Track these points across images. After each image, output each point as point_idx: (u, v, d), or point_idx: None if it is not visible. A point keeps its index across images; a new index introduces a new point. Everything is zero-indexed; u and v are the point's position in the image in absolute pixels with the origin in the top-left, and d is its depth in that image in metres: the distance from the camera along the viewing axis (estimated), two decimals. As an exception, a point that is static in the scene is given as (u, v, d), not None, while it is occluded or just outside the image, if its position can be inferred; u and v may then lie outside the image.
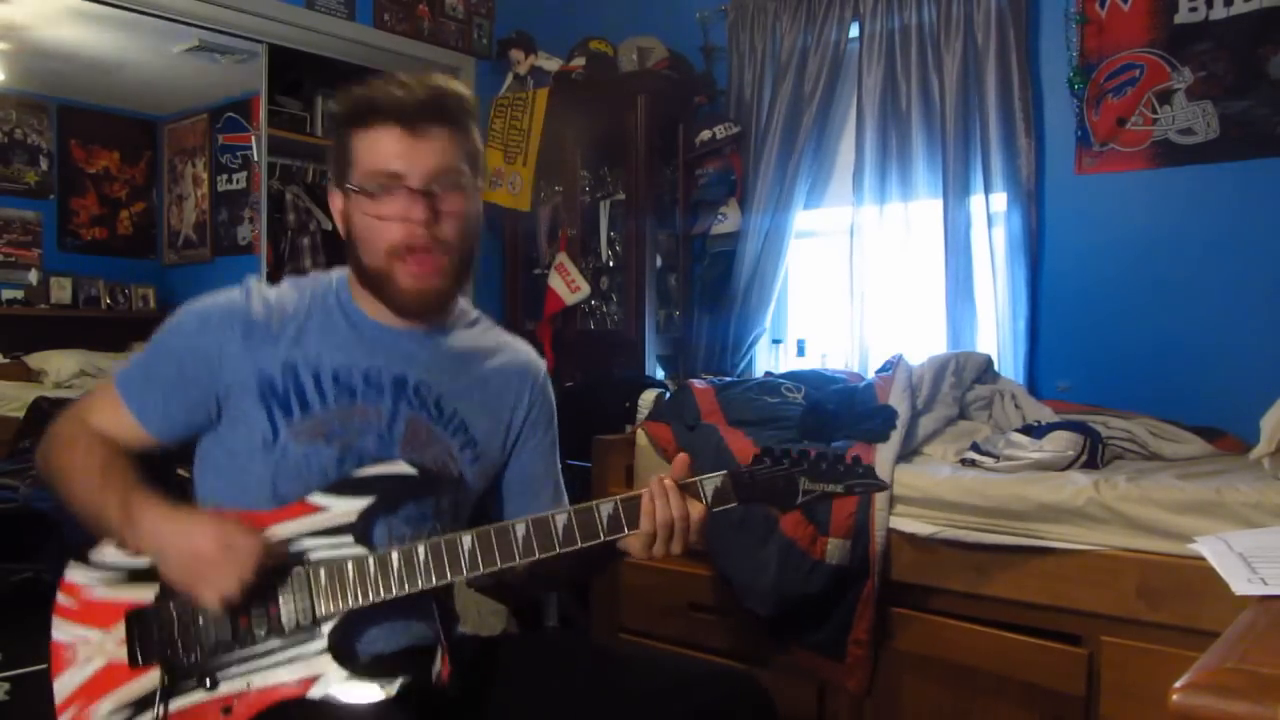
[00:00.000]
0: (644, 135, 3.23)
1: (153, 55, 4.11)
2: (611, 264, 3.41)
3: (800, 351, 3.25)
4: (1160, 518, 1.66)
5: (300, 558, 1.17)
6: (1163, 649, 1.61)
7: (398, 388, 1.26)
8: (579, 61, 3.42)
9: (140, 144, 4.99)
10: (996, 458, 1.94)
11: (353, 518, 1.18)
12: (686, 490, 1.18)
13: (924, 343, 2.87)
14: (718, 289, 3.33)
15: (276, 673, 1.15)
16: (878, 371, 2.42)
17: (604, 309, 3.47)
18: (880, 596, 1.91)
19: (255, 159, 4.17)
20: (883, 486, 1.30)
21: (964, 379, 2.37)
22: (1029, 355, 2.75)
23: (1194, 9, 2.50)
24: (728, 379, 2.57)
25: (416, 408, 1.27)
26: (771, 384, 2.38)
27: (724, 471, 1.19)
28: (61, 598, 1.20)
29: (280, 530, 1.18)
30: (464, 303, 1.40)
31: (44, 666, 1.18)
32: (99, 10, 3.11)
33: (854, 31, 3.05)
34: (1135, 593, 1.66)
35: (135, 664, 1.16)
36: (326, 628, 1.16)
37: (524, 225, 3.59)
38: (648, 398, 2.55)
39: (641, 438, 2.34)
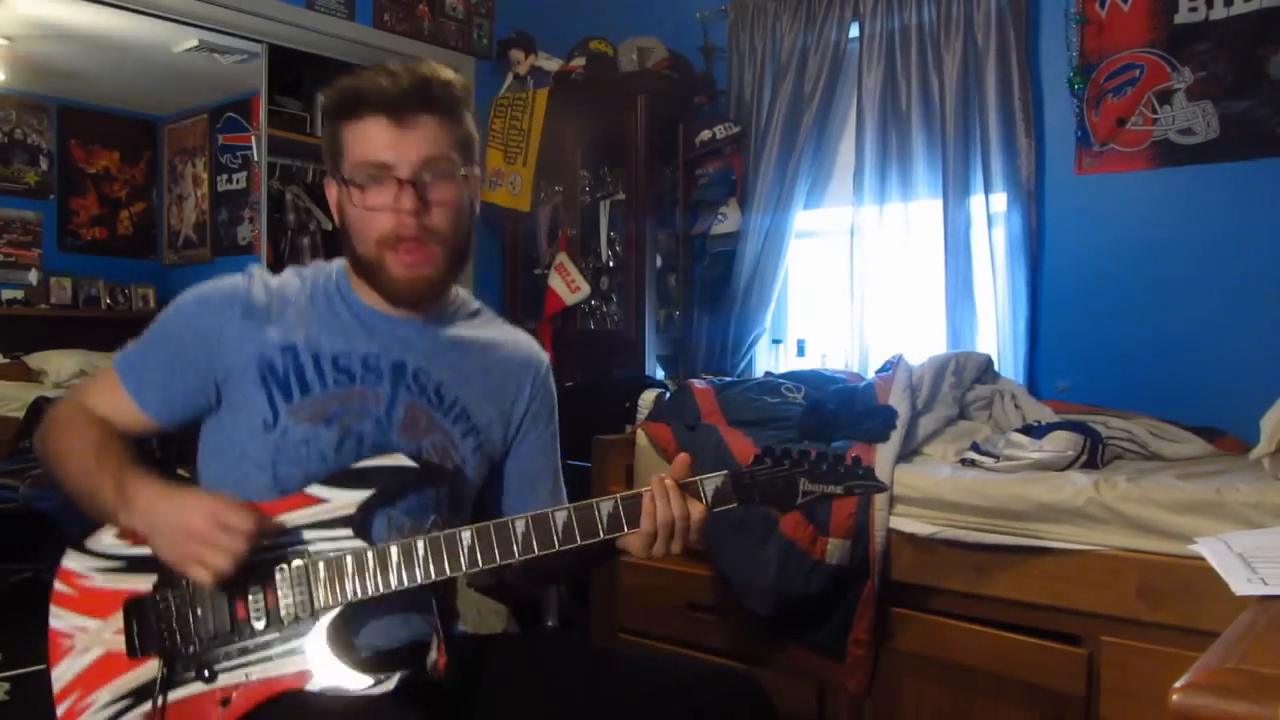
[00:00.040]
0: (644, 135, 3.23)
1: (153, 55, 4.10)
2: (611, 264, 3.41)
3: (800, 351, 3.25)
4: (1160, 518, 1.66)
5: (299, 550, 1.17)
6: (1163, 649, 1.61)
7: (396, 373, 1.26)
8: (579, 61, 3.42)
9: (140, 144, 4.99)
10: (996, 458, 1.94)
11: (352, 510, 1.18)
12: (687, 490, 1.18)
13: (924, 343, 2.87)
14: (718, 289, 3.33)
15: (274, 665, 1.15)
16: (878, 371, 2.42)
17: (604, 309, 3.47)
18: (880, 596, 1.91)
19: (255, 159, 4.18)
20: (882, 488, 1.30)
21: (964, 379, 2.37)
22: (1029, 355, 2.75)
23: (1194, 9, 2.50)
24: (728, 379, 2.57)
25: (416, 394, 1.27)
26: (771, 384, 2.38)
27: (724, 472, 1.20)
28: (59, 585, 1.20)
29: (279, 521, 1.18)
30: (464, 294, 1.40)
31: (44, 667, 1.18)
32: (99, 10, 3.11)
33: (854, 31, 3.05)
34: (1135, 593, 1.66)
35: (134, 654, 1.16)
36: (325, 620, 1.16)
37: (524, 225, 3.59)
38: (648, 398, 2.54)
39: (641, 438, 2.34)
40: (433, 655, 1.18)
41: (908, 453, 2.06)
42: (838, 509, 1.92)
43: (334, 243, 1.32)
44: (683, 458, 1.22)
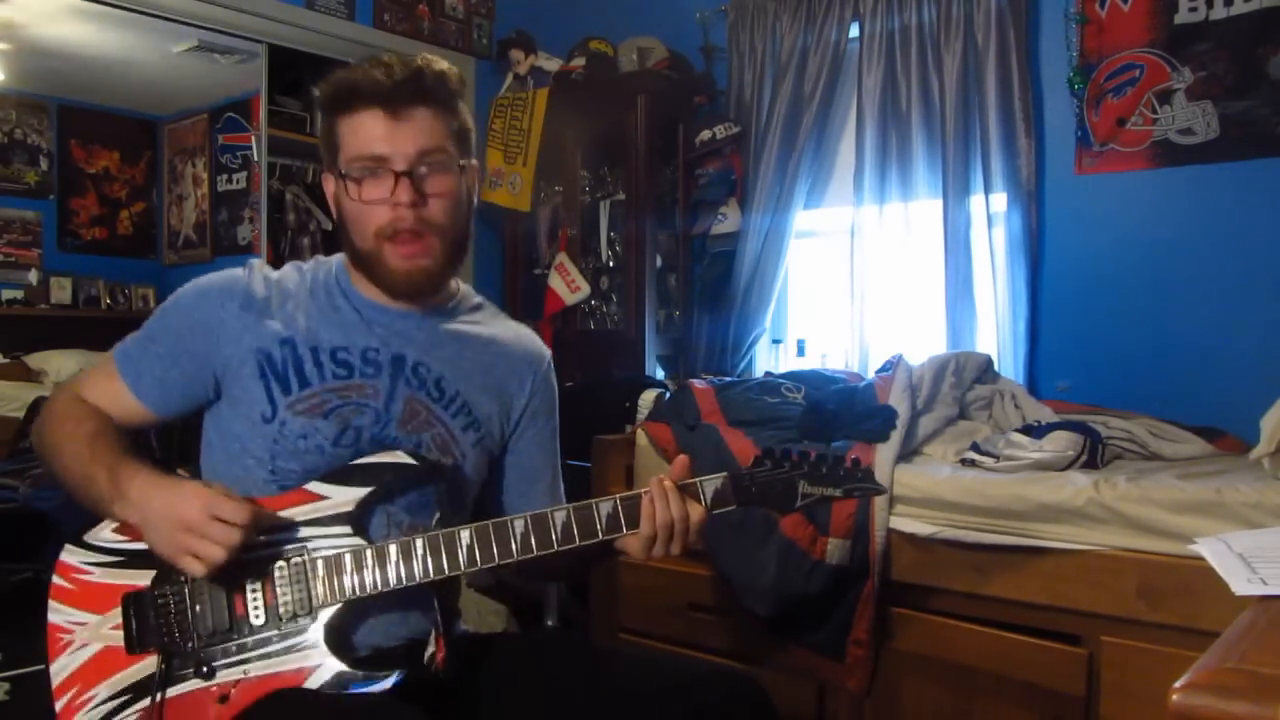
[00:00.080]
0: (644, 135, 3.23)
1: (153, 55, 4.11)
2: (611, 264, 3.41)
3: (800, 351, 3.25)
4: (1160, 518, 1.66)
5: (298, 547, 1.17)
6: (1163, 649, 1.61)
7: (396, 366, 1.26)
8: (579, 61, 3.42)
9: (140, 144, 4.99)
10: (996, 458, 1.94)
11: (351, 507, 1.18)
12: (686, 492, 1.18)
13: (924, 343, 2.87)
14: (718, 289, 3.33)
15: (273, 662, 1.15)
16: (878, 371, 2.42)
17: (604, 309, 3.47)
18: (880, 596, 1.91)
19: (255, 159, 4.18)
20: (881, 491, 1.30)
21: (964, 379, 2.37)
22: (1029, 355, 2.75)
23: (1194, 9, 2.50)
24: (728, 379, 2.57)
25: (415, 387, 1.27)
26: (771, 384, 2.38)
27: (724, 474, 1.19)
28: (58, 579, 1.19)
29: (278, 518, 1.18)
30: (466, 288, 1.40)
31: (44, 667, 1.18)
32: (99, 10, 3.11)
33: (854, 31, 3.05)
34: (1135, 593, 1.66)
35: (132, 649, 1.16)
36: (323, 618, 1.15)
37: (524, 225, 3.59)
38: (648, 398, 2.55)
39: (641, 438, 2.34)
40: (431, 649, 1.18)
41: (908, 453, 2.06)
42: (838, 509, 1.92)
43: (334, 243, 1.32)
44: (682, 459, 1.22)
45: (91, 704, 1.15)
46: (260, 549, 1.16)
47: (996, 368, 2.61)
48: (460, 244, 1.27)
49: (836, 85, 3.11)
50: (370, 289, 1.28)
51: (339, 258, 1.33)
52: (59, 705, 1.16)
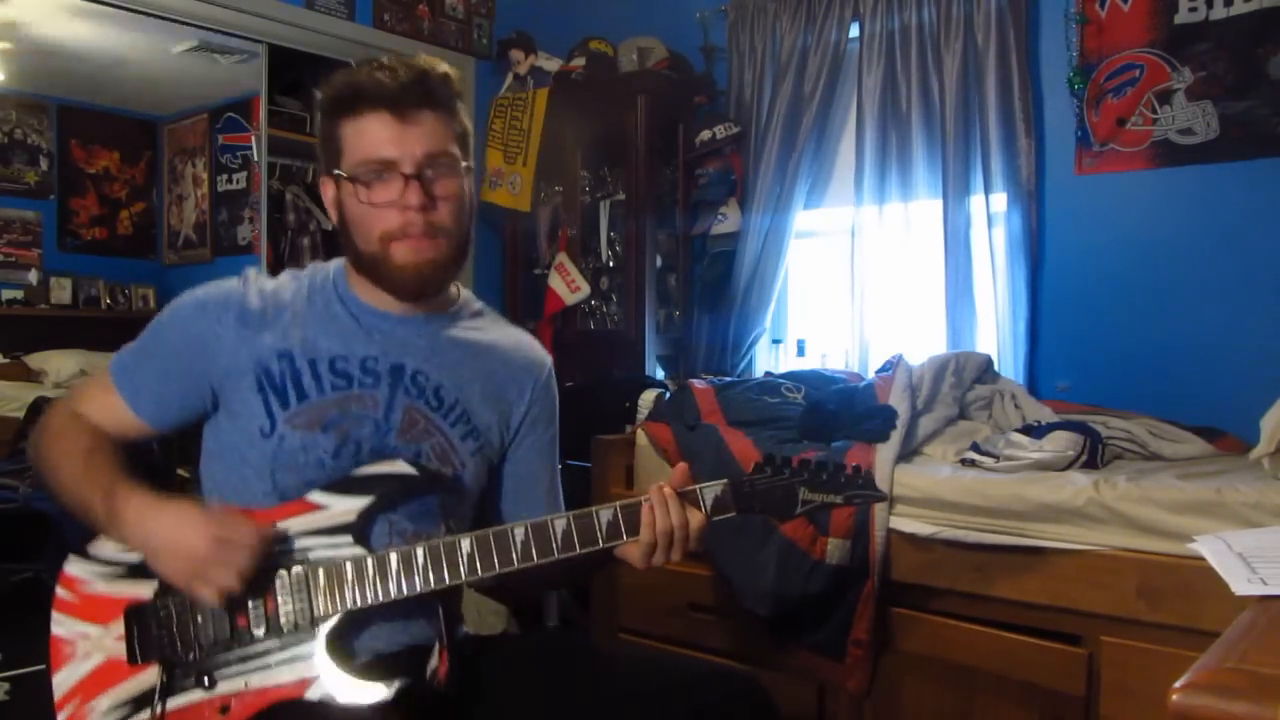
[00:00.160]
0: (644, 135, 3.23)
1: (153, 55, 4.11)
2: (611, 264, 3.41)
3: (800, 351, 3.26)
4: (1160, 518, 1.66)
5: (299, 557, 1.17)
6: (1163, 649, 1.61)
7: (395, 376, 1.26)
8: (579, 61, 3.42)
9: (140, 144, 4.99)
10: (996, 458, 1.94)
11: (352, 517, 1.17)
12: (686, 499, 1.18)
13: (924, 343, 2.87)
14: (718, 289, 3.33)
15: (274, 673, 1.14)
16: (878, 371, 2.42)
17: (604, 309, 3.47)
18: (880, 596, 1.91)
19: (255, 159, 4.18)
20: (882, 498, 1.30)
21: (964, 379, 2.37)
22: (1029, 355, 2.75)
23: (1194, 9, 2.50)
24: (728, 379, 2.57)
25: (414, 396, 1.26)
26: (771, 384, 2.38)
27: (724, 480, 1.19)
28: (61, 591, 1.19)
29: (279, 528, 1.17)
30: (467, 293, 1.39)
31: (44, 667, 1.18)
32: (99, 10, 3.11)
33: (854, 31, 3.05)
34: (1135, 593, 1.66)
35: (134, 661, 1.15)
36: (324, 628, 1.15)
37: (524, 225, 3.59)
38: (648, 398, 2.54)
39: (641, 438, 2.34)
40: (433, 663, 1.18)
41: (908, 453, 2.06)
42: (838, 510, 1.91)
43: (334, 243, 1.31)
44: (682, 467, 1.22)
45: (92, 715, 1.15)
46: (262, 560, 1.15)
47: (996, 368, 2.61)
48: (464, 246, 1.27)
49: (836, 85, 3.11)
50: (371, 294, 1.27)
51: (337, 263, 1.32)
52: (60, 717, 1.16)
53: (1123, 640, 1.67)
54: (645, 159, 3.24)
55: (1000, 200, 2.78)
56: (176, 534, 1.10)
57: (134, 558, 1.18)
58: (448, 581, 1.15)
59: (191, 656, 1.15)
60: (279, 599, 1.15)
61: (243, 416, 1.21)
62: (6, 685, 2.12)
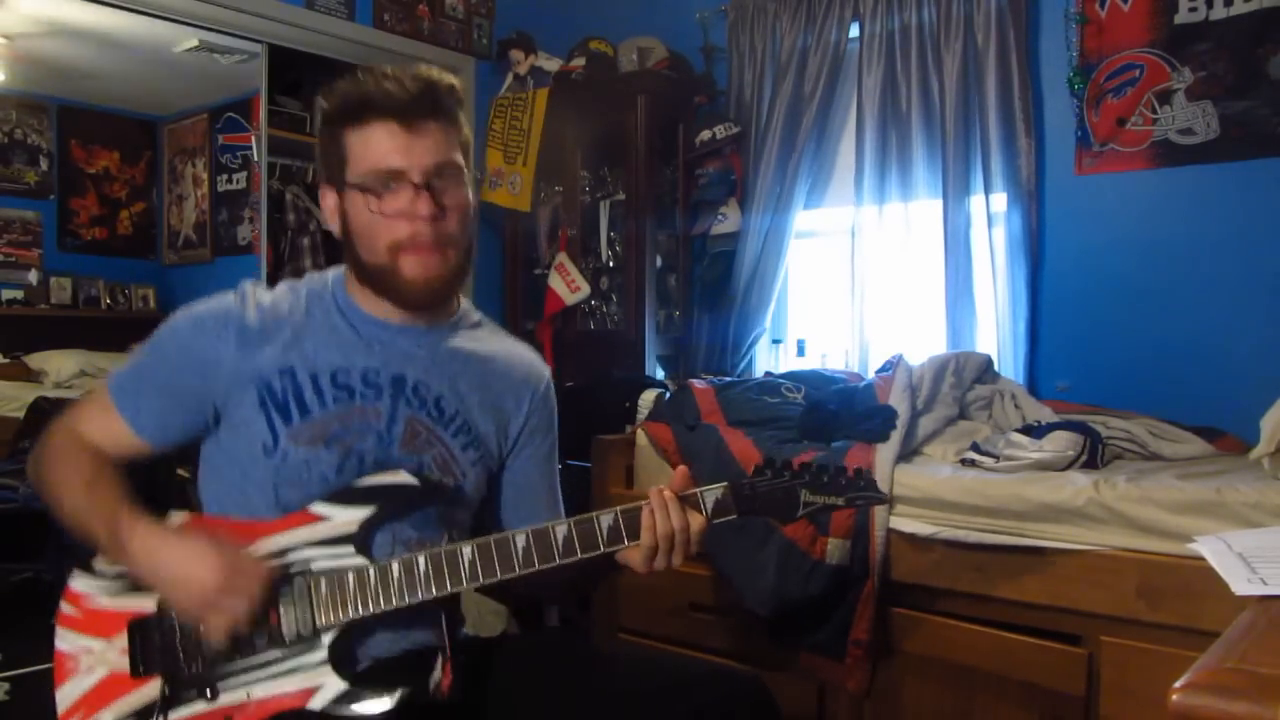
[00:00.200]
0: (644, 135, 3.23)
1: (153, 55, 4.11)
2: (611, 264, 3.41)
3: (800, 351, 3.26)
4: (1160, 518, 1.66)
5: (301, 567, 1.16)
6: (1163, 649, 1.61)
7: (396, 387, 1.25)
8: (579, 61, 3.42)
9: (140, 144, 4.99)
10: (996, 458, 1.94)
11: (354, 527, 1.17)
12: (686, 502, 1.18)
13: (924, 343, 2.87)
14: (718, 289, 3.33)
15: (276, 683, 1.14)
16: (878, 371, 2.42)
17: (604, 309, 3.47)
18: (880, 597, 1.91)
19: (255, 159, 4.18)
20: (883, 499, 1.30)
21: (964, 379, 2.37)
22: (1029, 355, 2.75)
23: (1194, 9, 2.50)
24: (728, 379, 2.57)
25: (416, 408, 1.26)
26: (771, 384, 2.38)
27: (724, 484, 1.19)
28: (65, 607, 1.20)
29: (281, 540, 1.17)
30: (467, 304, 1.39)
31: (44, 666, 1.18)
32: (99, 10, 3.11)
33: (854, 31, 3.05)
34: (1135, 593, 1.66)
35: (137, 674, 1.15)
36: (327, 638, 1.15)
37: (524, 225, 3.59)
38: (648, 398, 2.54)
39: (641, 438, 2.34)
40: (436, 675, 1.17)
41: (908, 453, 2.06)
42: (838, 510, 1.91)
43: (334, 242, 1.31)
44: (682, 470, 1.21)
45: None
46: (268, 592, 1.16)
47: (996, 368, 2.61)
48: (469, 257, 1.27)
49: (836, 85, 3.11)
50: (373, 304, 1.27)
51: (335, 273, 1.32)
52: None
53: (1123, 640, 1.67)
54: (645, 159, 3.24)
55: (1000, 200, 2.78)
56: (185, 567, 1.10)
57: None
58: (449, 589, 1.15)
59: (194, 668, 1.15)
60: (281, 610, 1.15)
61: (244, 433, 1.21)
62: (6, 685, 2.12)
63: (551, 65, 3.49)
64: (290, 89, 4.17)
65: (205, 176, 4.81)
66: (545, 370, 1.43)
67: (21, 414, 3.32)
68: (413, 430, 1.25)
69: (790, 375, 2.50)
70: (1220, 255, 2.49)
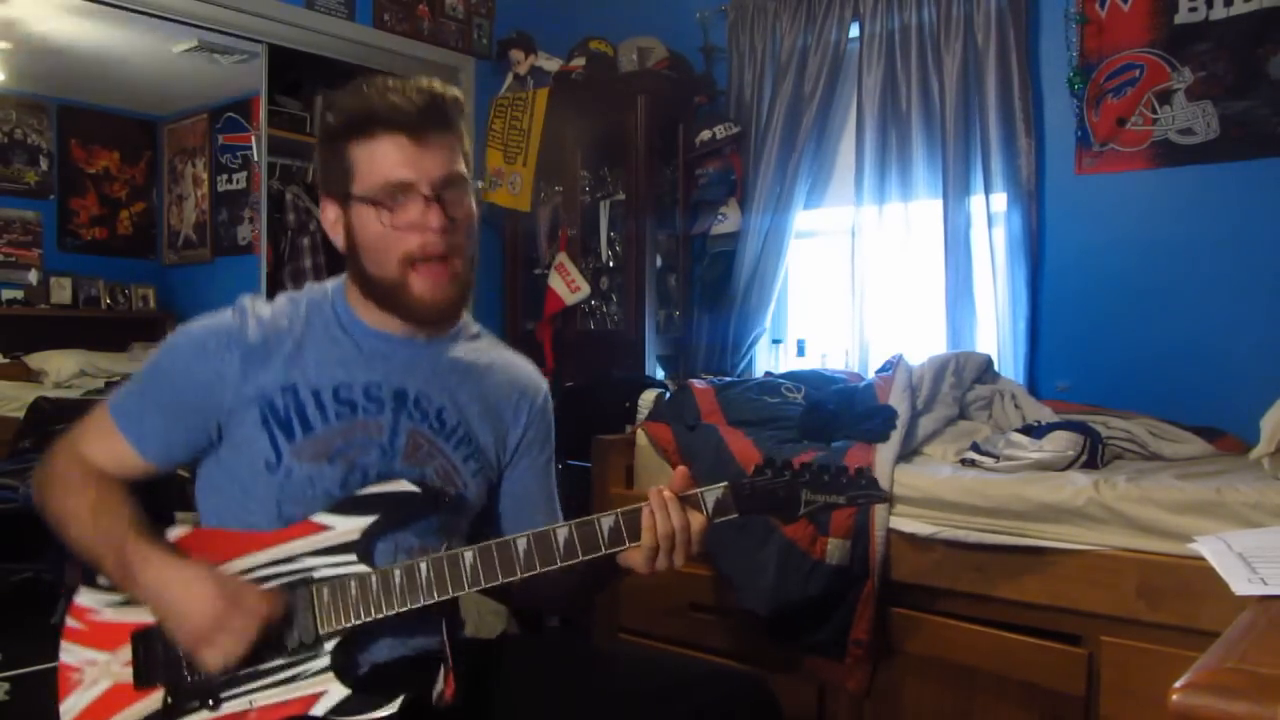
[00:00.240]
0: (644, 135, 3.23)
1: (153, 55, 4.10)
2: (611, 264, 3.41)
3: (800, 351, 3.26)
4: (1160, 518, 1.66)
5: (304, 576, 1.16)
6: (1163, 649, 1.61)
7: (398, 401, 1.25)
8: (579, 61, 3.42)
9: (140, 144, 4.98)
10: (996, 458, 1.94)
11: (356, 536, 1.17)
12: (687, 502, 1.18)
13: (924, 343, 2.87)
14: (718, 289, 3.33)
15: (279, 691, 1.14)
16: (878, 371, 2.42)
17: (604, 309, 3.47)
18: (880, 597, 1.91)
19: (255, 159, 4.18)
20: (884, 498, 1.30)
21: (964, 379, 2.37)
22: (1029, 355, 2.75)
23: (1194, 9, 2.50)
24: (728, 379, 2.57)
25: (418, 420, 1.26)
26: (771, 384, 2.38)
27: (724, 483, 1.19)
28: (71, 621, 1.20)
29: (284, 549, 1.17)
30: (465, 315, 1.39)
31: (44, 667, 1.18)
32: (99, 10, 3.11)
33: (854, 31, 3.05)
34: (1135, 593, 1.66)
35: (140, 685, 1.16)
36: (329, 645, 1.15)
37: (524, 225, 3.59)
38: (648, 398, 2.54)
39: (641, 438, 2.34)
40: (439, 686, 1.18)
41: (908, 453, 2.06)
42: (838, 510, 1.91)
43: (333, 243, 1.30)
44: (682, 470, 1.21)
45: None
46: (267, 580, 1.16)
47: (996, 368, 2.61)
48: (474, 266, 1.27)
49: (836, 85, 3.11)
50: (376, 317, 1.26)
51: (334, 284, 1.31)
52: None
53: (1123, 640, 1.67)
54: (645, 159, 3.24)
55: (1000, 200, 2.78)
56: (185, 600, 1.10)
57: None
58: (451, 593, 1.15)
59: (196, 679, 1.15)
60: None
61: (247, 451, 1.20)
62: (6, 685, 2.12)
63: (551, 65, 3.49)
64: (290, 89, 4.17)
65: (205, 176, 4.80)
66: (543, 382, 1.44)
67: (21, 414, 3.31)
68: (415, 443, 1.25)
69: (790, 375, 2.50)
70: (1220, 255, 2.49)
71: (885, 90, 2.97)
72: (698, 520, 1.17)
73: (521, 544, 1.15)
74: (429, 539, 1.24)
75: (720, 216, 3.26)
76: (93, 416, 1.26)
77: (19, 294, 4.54)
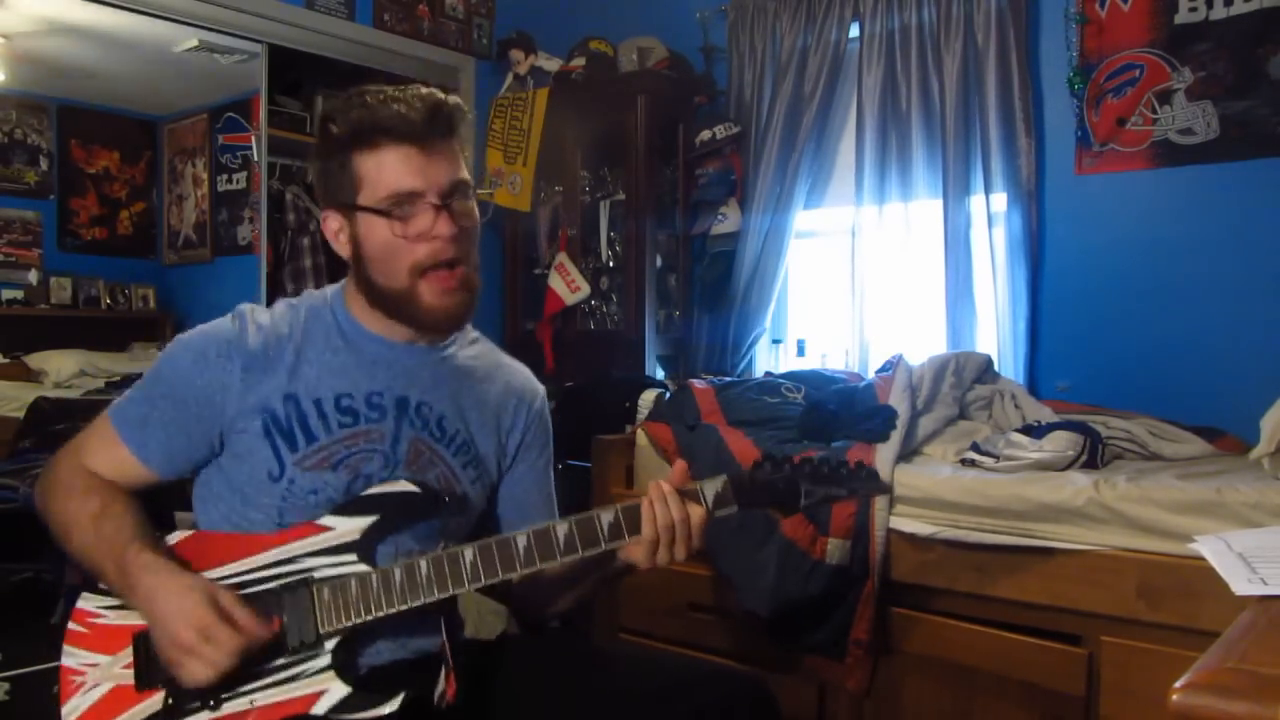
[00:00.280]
0: (644, 135, 3.23)
1: (153, 55, 4.10)
2: (611, 264, 3.41)
3: (800, 351, 3.26)
4: (1160, 518, 1.66)
5: (304, 575, 1.16)
6: (1163, 649, 1.61)
7: (400, 409, 1.26)
8: (579, 61, 3.42)
9: (140, 144, 4.98)
10: (996, 458, 1.94)
11: (356, 536, 1.17)
12: (686, 496, 1.18)
13: (924, 343, 2.87)
14: (718, 289, 3.33)
15: (279, 690, 1.14)
16: (878, 371, 2.42)
17: (604, 309, 3.47)
18: (880, 596, 1.91)
19: (255, 159, 4.17)
20: (885, 489, 1.29)
21: (964, 379, 2.37)
22: (1029, 355, 2.75)
23: (1194, 9, 2.50)
24: (728, 379, 2.57)
25: (419, 428, 1.26)
26: (771, 384, 2.38)
27: (724, 476, 1.19)
28: (73, 625, 1.20)
29: (284, 550, 1.17)
30: None
31: (44, 667, 1.18)
32: (98, 9, 3.11)
33: (854, 31, 3.05)
34: (1135, 593, 1.66)
35: (141, 687, 1.16)
36: (330, 644, 1.15)
37: (524, 225, 3.59)
38: (648, 398, 2.54)
39: (641, 438, 2.34)
40: (441, 686, 1.18)
41: (908, 453, 2.06)
42: (838, 509, 1.92)
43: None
44: (680, 464, 1.22)
45: None
46: (267, 580, 1.16)
47: (996, 368, 2.61)
48: (478, 269, 1.27)
49: (836, 85, 3.11)
50: (377, 324, 1.26)
51: (334, 290, 1.31)
52: None
53: (1123, 640, 1.67)
54: (645, 159, 3.24)
55: (1000, 200, 2.78)
56: (174, 610, 1.10)
57: None
58: (452, 591, 1.15)
59: None
60: (284, 618, 1.15)
61: (249, 460, 1.20)
62: (6, 685, 2.12)
63: (551, 65, 3.49)
64: (290, 89, 4.16)
65: (205, 176, 4.80)
66: (540, 388, 1.45)
67: (21, 414, 3.32)
68: (416, 450, 1.26)
69: (790, 375, 2.50)
70: (1220, 255, 2.49)
71: (885, 90, 2.97)
72: (697, 513, 1.17)
73: (521, 540, 1.14)
74: (429, 544, 1.23)
75: (720, 216, 3.26)
76: (95, 425, 1.26)
77: (19, 294, 4.54)
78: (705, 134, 3.20)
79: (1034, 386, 2.69)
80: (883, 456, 1.97)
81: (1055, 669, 1.74)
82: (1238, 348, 2.45)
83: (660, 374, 3.32)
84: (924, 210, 2.93)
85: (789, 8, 3.15)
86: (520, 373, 1.43)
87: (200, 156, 4.83)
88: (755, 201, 3.19)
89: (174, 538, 1.20)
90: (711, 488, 1.18)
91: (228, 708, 1.14)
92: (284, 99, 4.12)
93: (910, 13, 2.91)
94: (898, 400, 2.12)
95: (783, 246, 3.17)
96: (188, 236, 4.88)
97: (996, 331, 2.79)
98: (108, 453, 1.23)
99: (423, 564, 1.15)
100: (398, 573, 1.15)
